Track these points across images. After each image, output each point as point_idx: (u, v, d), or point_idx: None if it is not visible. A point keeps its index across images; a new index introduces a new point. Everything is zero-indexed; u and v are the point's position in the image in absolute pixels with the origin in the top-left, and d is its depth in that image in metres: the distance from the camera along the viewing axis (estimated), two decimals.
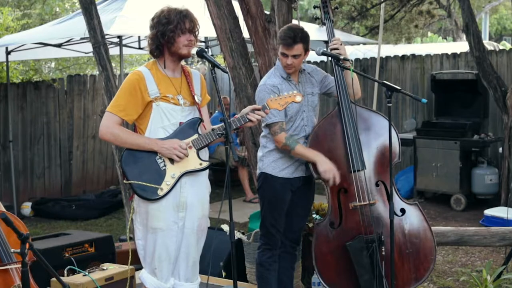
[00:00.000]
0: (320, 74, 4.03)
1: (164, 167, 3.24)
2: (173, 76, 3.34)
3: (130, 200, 3.36)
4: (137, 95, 3.23)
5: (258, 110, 3.30)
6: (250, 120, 3.28)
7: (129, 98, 3.24)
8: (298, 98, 3.37)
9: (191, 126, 3.31)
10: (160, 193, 3.21)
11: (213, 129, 3.31)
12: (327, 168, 3.76)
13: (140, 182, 3.20)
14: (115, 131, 3.25)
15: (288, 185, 3.89)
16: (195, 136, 3.30)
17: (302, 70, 3.95)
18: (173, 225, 3.26)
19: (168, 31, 3.21)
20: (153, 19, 3.30)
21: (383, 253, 3.76)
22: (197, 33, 3.33)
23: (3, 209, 3.65)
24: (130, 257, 3.49)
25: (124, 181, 3.28)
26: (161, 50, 3.28)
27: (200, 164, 3.30)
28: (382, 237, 3.77)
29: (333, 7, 4.18)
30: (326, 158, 3.79)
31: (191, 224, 3.32)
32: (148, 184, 3.19)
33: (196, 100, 3.37)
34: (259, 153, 3.99)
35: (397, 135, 3.90)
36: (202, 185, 3.39)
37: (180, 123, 3.29)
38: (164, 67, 3.32)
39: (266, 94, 3.74)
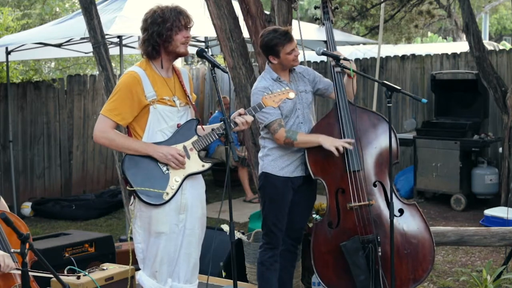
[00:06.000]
0: (311, 73, 4.08)
1: (167, 171, 3.20)
2: (167, 77, 3.30)
3: (127, 204, 3.33)
4: (134, 98, 3.17)
5: (243, 114, 3.29)
6: (236, 124, 3.25)
7: (125, 101, 3.17)
8: (291, 95, 3.41)
9: (190, 128, 3.29)
10: (166, 197, 3.17)
11: (212, 129, 3.30)
12: (331, 142, 3.78)
13: (145, 188, 3.15)
14: (110, 136, 3.20)
15: (290, 184, 3.90)
16: (195, 137, 3.28)
17: (293, 69, 3.97)
18: (175, 227, 3.24)
19: (165, 30, 3.16)
20: (145, 20, 3.24)
21: (379, 253, 3.75)
22: (191, 26, 3.27)
23: (7, 209, 3.64)
24: (130, 257, 3.49)
25: (128, 188, 3.21)
26: (157, 50, 3.22)
27: (203, 166, 3.28)
28: (379, 237, 3.77)
29: (333, 8, 4.19)
30: (326, 136, 3.82)
31: (191, 225, 3.30)
32: (153, 190, 3.15)
33: (190, 99, 3.35)
34: (260, 154, 4.02)
35: (396, 136, 3.90)
36: (200, 184, 3.38)
37: (178, 124, 3.26)
38: (162, 68, 3.28)
39: (259, 96, 3.76)
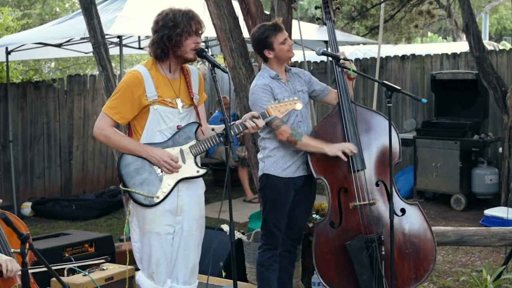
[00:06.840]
0: (307, 74, 4.09)
1: (161, 174, 3.20)
2: (173, 78, 3.28)
3: (127, 202, 3.34)
4: (134, 97, 3.17)
5: (257, 118, 3.26)
6: (246, 127, 3.25)
7: (125, 101, 3.17)
8: (299, 106, 3.37)
9: (189, 132, 3.27)
10: (156, 200, 3.18)
11: (212, 132, 3.28)
12: (337, 148, 3.78)
13: (135, 191, 3.17)
14: (107, 133, 3.21)
15: (291, 184, 3.89)
16: (193, 142, 3.26)
17: (289, 69, 3.97)
18: (170, 229, 3.24)
19: (175, 35, 3.13)
20: (157, 22, 3.19)
21: (383, 252, 3.76)
22: (202, 32, 3.25)
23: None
24: (127, 257, 3.49)
25: (120, 186, 3.24)
26: (166, 54, 3.20)
27: (197, 171, 3.27)
28: (382, 236, 3.78)
29: (334, 8, 4.19)
30: (330, 144, 3.81)
31: (189, 227, 3.30)
32: (142, 193, 3.17)
33: (194, 101, 3.33)
34: (260, 155, 3.99)
35: (398, 135, 3.91)
36: (198, 186, 3.37)
37: (178, 126, 3.25)
38: (170, 71, 3.26)
39: (260, 93, 3.76)
